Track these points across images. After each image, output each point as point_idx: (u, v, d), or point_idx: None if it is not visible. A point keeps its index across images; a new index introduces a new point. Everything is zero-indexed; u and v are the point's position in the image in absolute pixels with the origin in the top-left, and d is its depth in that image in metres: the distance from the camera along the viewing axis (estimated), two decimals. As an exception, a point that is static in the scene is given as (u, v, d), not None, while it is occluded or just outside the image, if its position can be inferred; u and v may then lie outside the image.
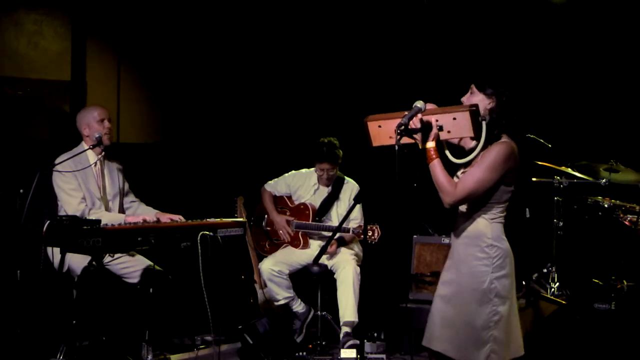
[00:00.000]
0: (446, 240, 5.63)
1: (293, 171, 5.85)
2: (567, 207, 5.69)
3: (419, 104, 3.78)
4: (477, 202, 3.38)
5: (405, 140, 3.41)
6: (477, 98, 3.45)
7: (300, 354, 5.27)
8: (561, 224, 5.66)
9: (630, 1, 5.97)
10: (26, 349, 4.51)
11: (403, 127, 3.36)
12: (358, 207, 5.54)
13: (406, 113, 3.39)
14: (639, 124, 5.93)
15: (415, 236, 5.74)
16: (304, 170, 5.82)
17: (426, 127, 3.38)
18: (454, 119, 3.33)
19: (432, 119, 3.37)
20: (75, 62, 5.90)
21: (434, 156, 3.39)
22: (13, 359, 4.51)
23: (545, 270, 5.56)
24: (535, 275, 5.59)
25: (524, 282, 5.62)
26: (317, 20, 6.63)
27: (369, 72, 6.66)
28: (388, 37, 6.62)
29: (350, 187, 5.69)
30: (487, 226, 3.39)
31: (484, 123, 3.36)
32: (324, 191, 5.72)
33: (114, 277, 4.70)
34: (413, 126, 3.38)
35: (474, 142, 3.47)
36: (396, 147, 3.36)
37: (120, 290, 4.73)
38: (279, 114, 6.68)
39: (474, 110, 3.31)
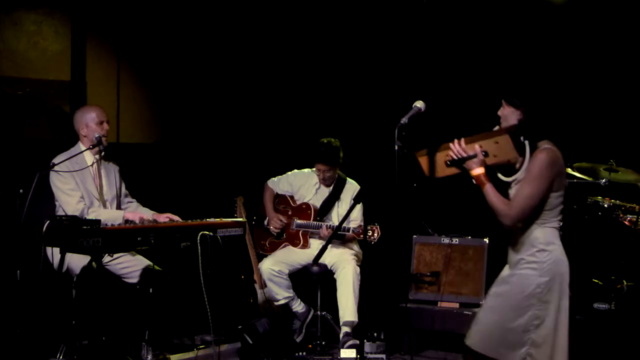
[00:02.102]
0: (446, 240, 5.64)
1: (296, 170, 5.86)
2: (567, 207, 5.67)
3: (419, 104, 3.79)
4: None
5: (453, 170, 3.53)
6: (508, 111, 3.52)
7: (300, 354, 5.27)
8: (561, 223, 5.65)
9: (630, 1, 5.96)
10: (26, 349, 4.51)
11: (403, 126, 3.38)
12: (358, 207, 5.54)
13: (458, 144, 3.51)
14: (638, 124, 5.93)
15: (415, 236, 5.74)
16: (306, 170, 5.82)
17: (472, 156, 3.48)
18: (496, 142, 3.45)
19: (476, 146, 3.46)
20: (75, 62, 5.89)
21: (485, 181, 3.45)
22: (13, 359, 4.51)
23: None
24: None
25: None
26: (317, 20, 6.63)
27: (370, 72, 6.66)
28: (388, 37, 6.61)
29: (352, 188, 5.69)
30: (538, 231, 3.42)
31: (526, 141, 3.42)
32: (325, 191, 5.72)
33: (114, 277, 4.70)
34: (459, 156, 3.47)
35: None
36: (396, 147, 3.37)
37: (119, 290, 4.73)
38: (279, 113, 6.68)
39: (512, 132, 3.41)
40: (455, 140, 3.54)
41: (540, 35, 6.20)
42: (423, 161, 3.63)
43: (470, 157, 3.48)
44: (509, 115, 3.50)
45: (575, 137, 6.05)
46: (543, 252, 3.39)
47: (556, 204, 3.43)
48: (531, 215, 3.40)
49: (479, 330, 3.50)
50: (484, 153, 3.46)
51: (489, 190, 3.44)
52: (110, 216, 4.64)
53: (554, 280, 3.37)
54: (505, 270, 3.57)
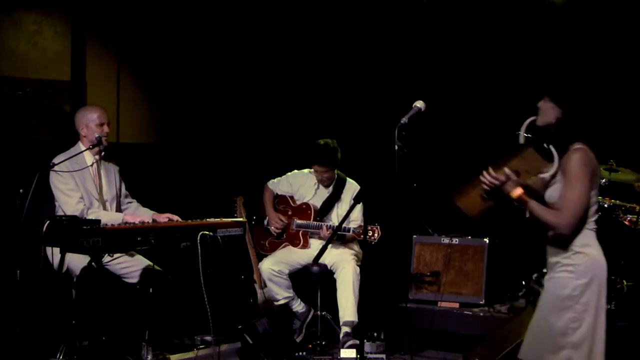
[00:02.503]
0: (446, 240, 5.64)
1: (295, 171, 5.86)
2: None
3: (419, 104, 3.79)
4: None
5: (492, 202, 3.50)
6: (548, 106, 3.49)
7: (300, 354, 5.27)
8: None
9: (631, 1, 5.96)
10: (26, 349, 4.51)
11: (403, 126, 3.37)
12: (358, 207, 5.54)
13: (488, 174, 3.46)
14: (638, 124, 5.93)
15: (415, 236, 5.74)
16: (305, 170, 5.81)
17: (504, 181, 3.45)
18: (523, 158, 3.45)
19: (505, 170, 3.44)
20: (75, 62, 5.89)
21: (527, 199, 3.42)
22: (13, 359, 4.51)
23: (545, 270, 5.54)
24: (535, 275, 5.57)
25: (523, 282, 5.62)
26: (317, 20, 6.62)
27: (370, 72, 6.66)
28: (388, 37, 6.61)
29: (352, 188, 5.69)
30: (575, 234, 3.39)
31: (550, 146, 3.42)
32: (325, 192, 5.72)
33: (114, 277, 4.70)
34: (493, 185, 3.44)
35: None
36: (396, 147, 3.37)
37: (119, 290, 4.73)
38: (279, 114, 6.67)
39: (535, 143, 3.43)
40: (484, 172, 3.50)
41: (539, 35, 6.20)
42: (462, 204, 3.61)
43: (503, 182, 3.45)
44: (548, 110, 3.48)
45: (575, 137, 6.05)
46: (579, 254, 3.36)
47: (591, 204, 3.39)
48: (583, 217, 3.37)
49: (527, 338, 3.51)
50: (515, 173, 3.44)
51: (534, 206, 3.41)
52: (109, 219, 4.63)
53: (592, 283, 3.35)
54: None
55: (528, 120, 3.58)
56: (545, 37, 6.19)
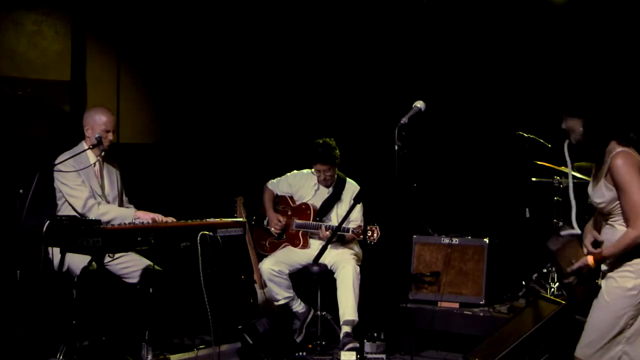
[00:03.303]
0: (446, 240, 5.63)
1: (295, 171, 5.86)
2: (567, 207, 5.67)
3: (419, 104, 3.79)
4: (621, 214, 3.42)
5: (584, 282, 3.56)
6: (571, 123, 3.55)
7: (300, 354, 5.27)
8: (561, 224, 5.65)
9: (631, 1, 5.96)
10: (26, 349, 4.51)
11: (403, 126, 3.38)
12: (358, 208, 5.53)
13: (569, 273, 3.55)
14: (638, 124, 5.92)
15: (415, 236, 5.74)
16: (305, 170, 5.82)
17: (578, 270, 3.52)
18: (565, 256, 3.56)
19: (570, 264, 3.52)
20: (75, 62, 5.90)
21: (601, 254, 3.45)
22: (13, 359, 4.51)
23: (545, 270, 5.55)
24: (535, 275, 5.58)
25: (523, 282, 5.62)
26: (317, 20, 6.63)
27: (369, 72, 6.66)
28: (388, 36, 6.61)
29: (352, 188, 5.69)
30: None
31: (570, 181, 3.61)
32: (325, 192, 5.72)
33: (114, 277, 4.70)
34: (575, 280, 3.52)
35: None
36: (396, 147, 3.37)
37: (120, 290, 4.73)
38: (279, 114, 6.68)
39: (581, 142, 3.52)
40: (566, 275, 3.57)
41: (539, 35, 6.20)
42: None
43: (579, 271, 3.51)
44: (573, 126, 3.53)
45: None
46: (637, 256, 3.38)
47: None
48: (618, 215, 3.39)
49: (582, 338, 3.52)
50: (572, 262, 3.52)
51: (611, 250, 3.42)
52: (121, 213, 4.67)
53: None
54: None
55: (565, 145, 3.61)
56: (545, 36, 6.19)
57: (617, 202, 3.39)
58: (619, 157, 3.37)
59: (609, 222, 3.48)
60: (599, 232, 3.57)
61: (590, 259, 3.47)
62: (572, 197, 3.67)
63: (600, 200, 3.46)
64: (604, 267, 3.49)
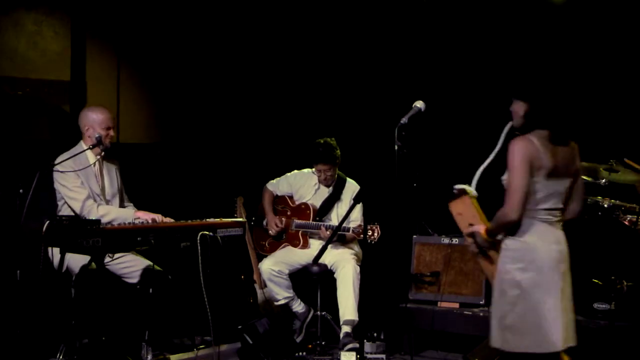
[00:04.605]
0: (446, 240, 5.63)
1: (295, 171, 5.86)
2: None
3: (419, 104, 3.80)
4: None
5: (489, 252, 3.66)
6: (517, 106, 3.61)
7: (300, 354, 5.27)
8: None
9: (630, 1, 5.96)
10: (26, 349, 4.51)
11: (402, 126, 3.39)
12: (358, 207, 5.54)
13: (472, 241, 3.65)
14: (638, 124, 5.93)
15: (415, 236, 5.74)
16: (305, 170, 5.82)
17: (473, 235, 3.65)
18: (460, 214, 3.70)
19: (467, 231, 3.67)
20: (75, 62, 5.89)
21: (486, 229, 3.59)
22: (13, 359, 4.51)
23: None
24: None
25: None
26: (317, 20, 6.63)
27: (369, 72, 6.66)
28: (388, 36, 6.61)
29: (352, 188, 5.69)
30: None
31: None
32: (325, 192, 5.72)
33: (114, 277, 4.70)
34: (476, 249, 3.65)
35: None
36: (396, 147, 3.38)
37: (119, 290, 4.73)
38: (279, 114, 6.68)
39: (521, 126, 3.58)
40: (467, 239, 3.67)
41: (539, 35, 6.20)
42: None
43: (474, 237, 3.63)
44: (518, 109, 3.59)
45: (575, 137, 6.05)
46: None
47: (535, 190, 3.48)
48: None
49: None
50: (459, 215, 3.65)
51: (491, 225, 3.56)
52: (121, 214, 4.66)
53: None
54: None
55: (507, 126, 3.65)
56: (544, 36, 6.19)
57: None
58: (517, 141, 3.48)
59: None
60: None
61: (482, 229, 3.58)
62: (482, 168, 3.75)
63: (503, 177, 3.56)
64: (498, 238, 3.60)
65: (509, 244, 3.50)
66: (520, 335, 3.44)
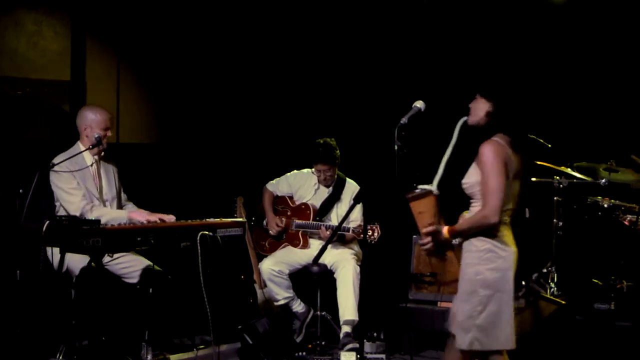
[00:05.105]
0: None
1: (295, 171, 5.86)
2: (567, 207, 5.69)
3: (419, 104, 3.80)
4: None
5: (439, 254, 3.78)
6: (478, 103, 3.63)
7: (300, 354, 5.27)
8: (561, 224, 5.66)
9: (631, 1, 5.97)
10: (26, 349, 4.51)
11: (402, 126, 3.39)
12: (358, 207, 5.54)
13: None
14: (638, 124, 5.93)
15: (415, 236, 5.73)
16: (305, 170, 5.82)
17: (433, 233, 3.62)
18: (420, 213, 3.67)
19: (424, 230, 3.63)
20: (75, 62, 5.89)
21: (456, 229, 3.59)
22: (13, 359, 4.51)
23: (545, 270, 5.56)
24: (535, 275, 5.58)
25: (523, 282, 5.61)
26: (316, 20, 6.62)
27: (369, 72, 6.66)
28: (388, 36, 6.61)
29: (352, 188, 5.69)
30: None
31: None
32: (325, 192, 5.73)
33: (114, 277, 4.70)
34: (431, 245, 3.63)
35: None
36: (396, 147, 3.38)
37: (119, 290, 4.73)
38: (278, 114, 6.67)
39: (481, 126, 3.59)
40: (424, 237, 3.64)
41: (539, 36, 6.20)
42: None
43: (434, 236, 3.59)
44: (479, 107, 3.62)
45: (575, 137, 6.06)
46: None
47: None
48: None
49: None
50: (429, 225, 3.59)
51: (463, 227, 3.57)
52: (114, 216, 4.64)
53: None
54: None
55: (461, 120, 3.65)
56: (544, 36, 6.20)
57: (480, 187, 3.51)
58: (488, 144, 3.49)
59: (471, 205, 3.60)
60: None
61: (445, 229, 3.58)
62: (442, 165, 3.73)
63: (465, 181, 3.59)
64: (455, 241, 3.61)
65: (479, 245, 3.50)
66: (492, 333, 3.46)
